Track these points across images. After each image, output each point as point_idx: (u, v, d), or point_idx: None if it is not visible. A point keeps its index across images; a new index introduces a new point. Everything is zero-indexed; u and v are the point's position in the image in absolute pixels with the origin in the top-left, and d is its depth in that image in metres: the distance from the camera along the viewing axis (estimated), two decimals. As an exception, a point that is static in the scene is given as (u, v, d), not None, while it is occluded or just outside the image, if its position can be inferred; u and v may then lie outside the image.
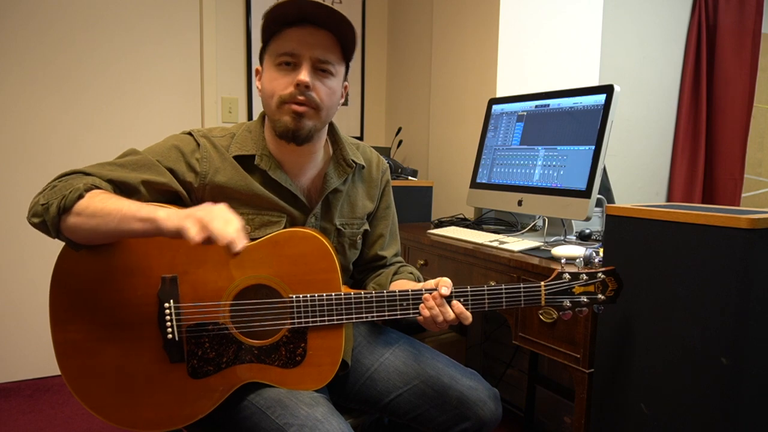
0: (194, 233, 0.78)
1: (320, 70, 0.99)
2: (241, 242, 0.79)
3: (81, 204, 0.87)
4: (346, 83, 1.08)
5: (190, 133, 1.05)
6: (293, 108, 0.97)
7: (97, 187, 0.90)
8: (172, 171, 1.00)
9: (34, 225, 0.90)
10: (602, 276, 0.99)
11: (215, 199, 1.02)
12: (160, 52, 2.39)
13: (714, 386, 0.97)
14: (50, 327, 0.95)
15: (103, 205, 0.86)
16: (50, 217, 0.87)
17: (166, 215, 0.83)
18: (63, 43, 2.21)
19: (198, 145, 1.03)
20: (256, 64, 1.15)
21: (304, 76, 0.96)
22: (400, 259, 1.28)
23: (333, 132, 1.13)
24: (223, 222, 0.80)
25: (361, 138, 2.88)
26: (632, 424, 1.10)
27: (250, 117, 2.61)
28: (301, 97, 0.97)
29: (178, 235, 0.80)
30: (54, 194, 0.88)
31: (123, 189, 0.95)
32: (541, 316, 1.30)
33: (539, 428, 1.92)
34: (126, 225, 0.85)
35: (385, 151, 2.59)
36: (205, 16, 2.44)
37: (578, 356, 1.22)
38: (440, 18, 2.40)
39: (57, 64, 2.21)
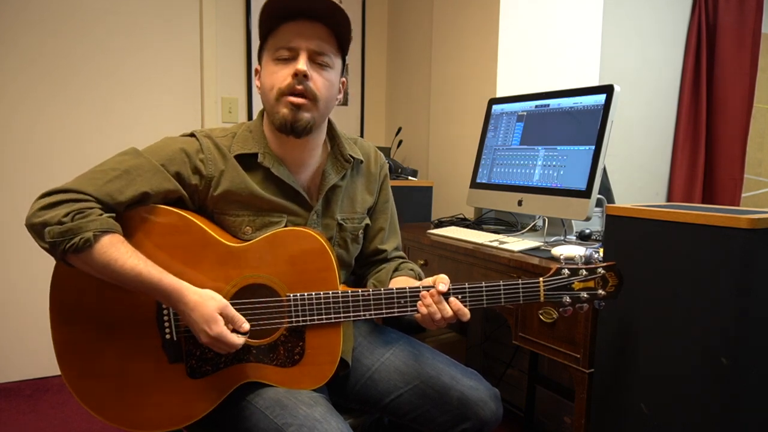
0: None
1: (318, 63, 1.00)
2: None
3: (91, 255, 0.88)
4: (343, 79, 1.09)
5: (192, 134, 1.04)
6: (291, 100, 0.98)
7: (107, 231, 0.89)
8: (178, 175, 0.99)
9: (39, 244, 0.90)
10: (602, 271, 0.98)
11: (216, 205, 1.03)
12: (160, 52, 2.39)
13: (714, 386, 0.97)
14: (50, 327, 0.95)
15: (115, 267, 0.88)
16: (57, 254, 0.89)
17: (188, 316, 0.91)
18: (64, 44, 2.21)
19: (201, 145, 1.02)
20: (255, 64, 1.15)
21: (301, 65, 0.97)
22: (401, 253, 1.28)
23: (330, 128, 1.13)
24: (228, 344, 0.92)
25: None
26: (632, 424, 1.10)
27: (250, 117, 2.60)
28: (299, 87, 0.98)
29: None
30: (63, 234, 0.86)
31: (129, 205, 0.95)
32: (541, 316, 1.30)
33: (539, 428, 1.92)
34: (139, 291, 0.92)
35: (385, 151, 2.59)
36: (205, 16, 2.44)
37: (578, 356, 1.22)
38: (440, 18, 2.40)
39: (58, 65, 2.21)
